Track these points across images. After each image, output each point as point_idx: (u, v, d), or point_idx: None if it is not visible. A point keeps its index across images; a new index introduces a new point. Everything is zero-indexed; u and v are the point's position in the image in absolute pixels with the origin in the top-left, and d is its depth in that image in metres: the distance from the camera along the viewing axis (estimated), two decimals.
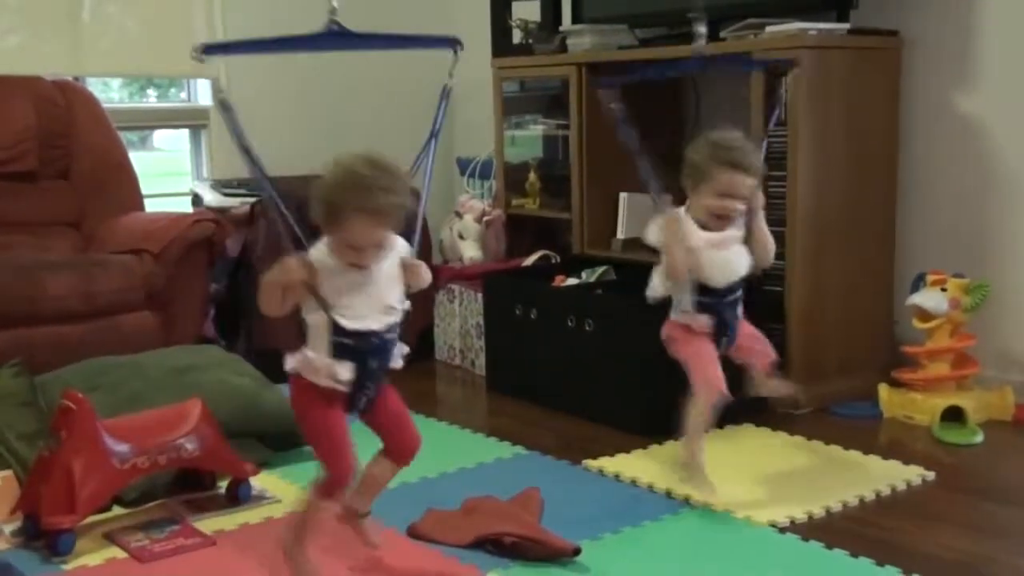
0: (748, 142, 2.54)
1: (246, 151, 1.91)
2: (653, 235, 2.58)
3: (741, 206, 2.52)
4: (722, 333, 2.58)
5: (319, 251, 1.97)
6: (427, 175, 2.15)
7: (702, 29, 2.70)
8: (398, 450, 2.15)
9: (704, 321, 2.56)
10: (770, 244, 2.61)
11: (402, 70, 4.61)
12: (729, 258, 2.56)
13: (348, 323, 1.97)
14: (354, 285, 1.99)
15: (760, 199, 2.58)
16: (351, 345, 1.99)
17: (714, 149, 2.50)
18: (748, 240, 2.58)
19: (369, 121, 4.46)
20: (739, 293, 2.59)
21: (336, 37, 2.03)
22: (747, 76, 3.27)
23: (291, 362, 2.03)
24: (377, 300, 2.01)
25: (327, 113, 4.57)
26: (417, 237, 2.14)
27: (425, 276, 2.12)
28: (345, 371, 1.99)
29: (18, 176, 3.76)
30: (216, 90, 1.93)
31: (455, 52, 2.15)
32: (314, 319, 1.99)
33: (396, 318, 2.04)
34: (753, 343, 2.67)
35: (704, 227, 2.53)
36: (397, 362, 2.07)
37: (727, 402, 2.56)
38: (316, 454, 2.08)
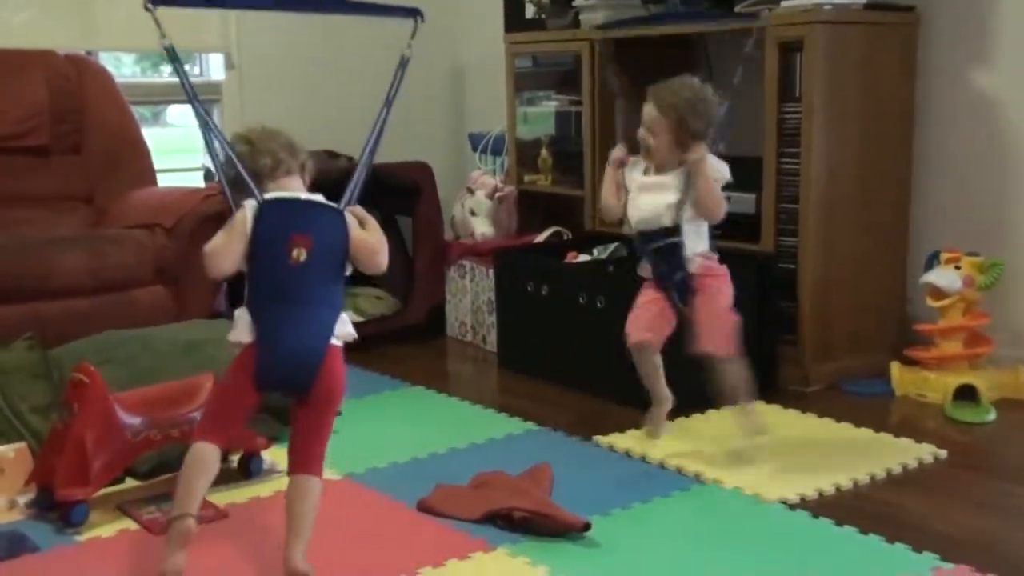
0: (701, 92, 2.60)
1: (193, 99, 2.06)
2: None
3: (651, 139, 2.62)
4: (664, 285, 2.68)
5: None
6: (368, 144, 2.12)
7: None
8: None
9: (645, 266, 2.72)
10: (711, 202, 2.61)
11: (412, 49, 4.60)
12: (649, 203, 2.65)
13: None
14: None
15: (697, 155, 2.57)
16: None
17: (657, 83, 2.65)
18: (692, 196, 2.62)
19: (376, 98, 4.47)
20: (665, 242, 2.64)
21: None
22: (760, 49, 3.25)
23: (347, 329, 2.05)
24: None
25: (336, 90, 4.56)
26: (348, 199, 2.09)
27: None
28: None
29: (30, 151, 3.77)
30: (161, 36, 2.02)
31: (416, 22, 2.15)
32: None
33: None
34: (702, 324, 2.63)
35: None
36: None
37: (651, 350, 2.71)
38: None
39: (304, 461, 2.06)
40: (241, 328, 2.03)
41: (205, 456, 2.02)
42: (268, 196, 2.03)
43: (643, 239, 2.69)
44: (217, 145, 2.06)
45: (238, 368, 2.05)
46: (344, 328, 2.05)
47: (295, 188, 2.08)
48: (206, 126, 2.07)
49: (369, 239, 2.06)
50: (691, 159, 2.59)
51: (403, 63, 2.14)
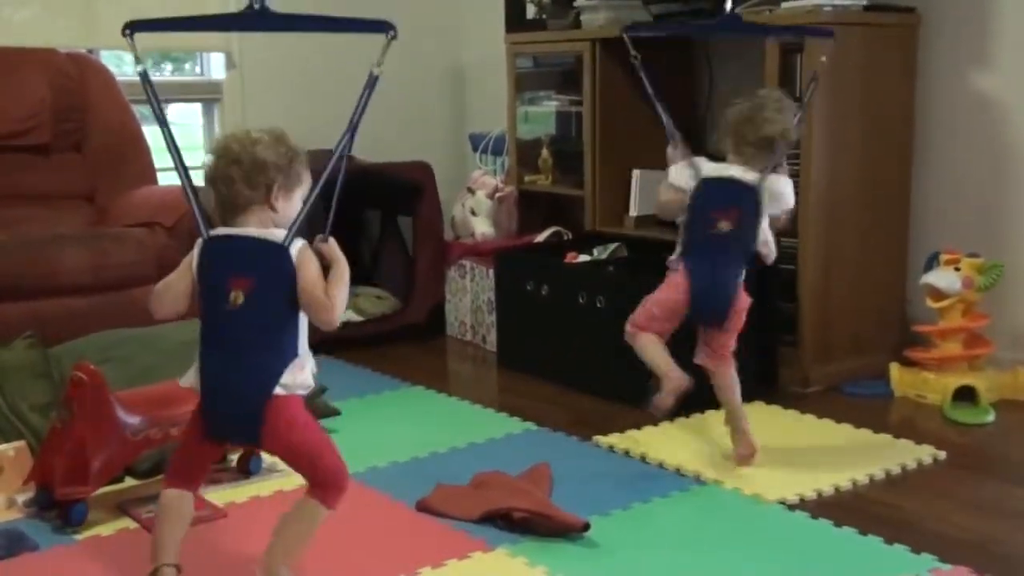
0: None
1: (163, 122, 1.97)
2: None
3: None
4: None
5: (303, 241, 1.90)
6: (328, 167, 1.94)
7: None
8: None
9: None
10: None
11: (408, 50, 4.60)
12: None
13: None
14: None
15: None
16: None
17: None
18: None
19: (378, 96, 4.47)
20: None
21: (257, 17, 1.99)
22: (761, 51, 3.25)
23: (301, 377, 1.88)
24: None
25: (337, 89, 4.56)
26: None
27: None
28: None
29: (32, 149, 3.77)
30: (136, 62, 1.96)
31: (388, 38, 1.91)
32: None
33: None
34: None
35: None
36: None
37: None
38: (327, 464, 1.92)
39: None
40: (191, 373, 1.92)
41: (174, 503, 1.93)
42: (214, 232, 1.90)
43: None
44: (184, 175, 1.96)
45: (192, 415, 1.96)
46: (296, 377, 1.87)
47: (250, 223, 1.89)
48: (176, 157, 1.97)
49: (316, 292, 1.84)
50: None
51: (371, 82, 1.93)
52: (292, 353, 1.88)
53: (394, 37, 1.92)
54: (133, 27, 1.95)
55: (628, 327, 2.62)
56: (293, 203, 1.93)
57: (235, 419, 1.89)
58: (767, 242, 2.58)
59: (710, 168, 2.59)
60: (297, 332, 1.89)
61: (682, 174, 2.60)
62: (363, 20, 1.96)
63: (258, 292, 1.85)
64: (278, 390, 1.85)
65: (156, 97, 1.96)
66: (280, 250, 1.85)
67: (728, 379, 2.65)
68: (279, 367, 1.85)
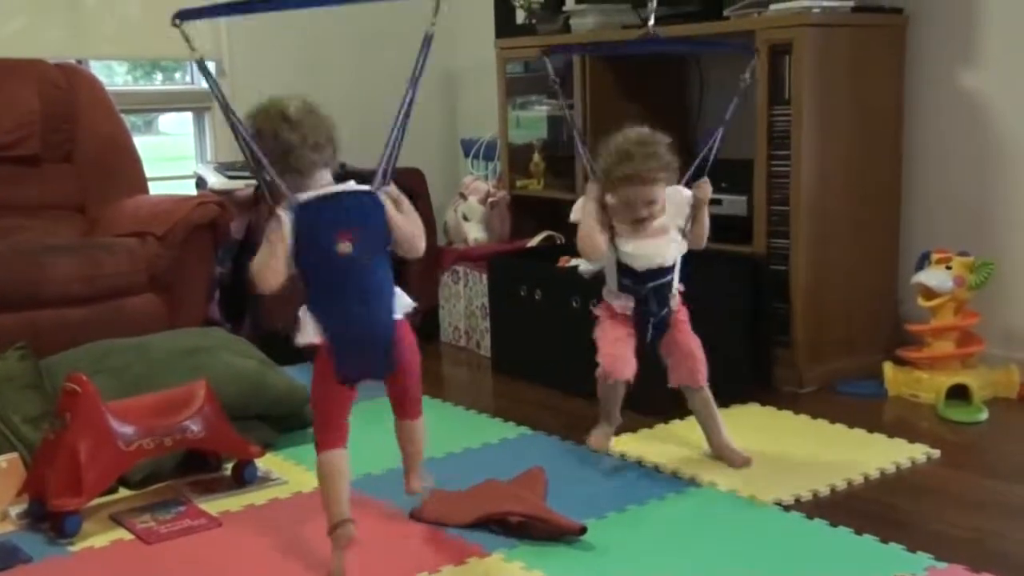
0: (653, 143, 2.50)
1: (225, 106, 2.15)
2: (575, 213, 2.61)
3: (650, 211, 2.51)
4: (645, 320, 2.59)
5: None
6: (396, 124, 2.24)
7: (652, 6, 2.74)
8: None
9: (625, 303, 2.60)
10: (704, 235, 2.62)
11: (399, 56, 4.60)
12: (652, 245, 2.56)
13: None
14: None
15: (706, 191, 2.59)
16: None
17: (615, 161, 2.49)
18: (690, 228, 2.60)
19: (365, 103, 4.47)
20: (665, 279, 2.57)
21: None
22: (751, 57, 3.25)
23: (404, 301, 2.16)
24: None
25: (325, 97, 4.56)
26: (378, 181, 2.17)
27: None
28: None
29: (22, 160, 3.76)
30: (192, 50, 2.09)
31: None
32: None
33: None
34: (683, 360, 2.64)
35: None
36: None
37: (628, 387, 2.64)
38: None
39: (404, 412, 2.33)
40: (309, 330, 2.07)
41: (336, 462, 2.13)
42: (305, 197, 2.07)
43: (639, 278, 2.57)
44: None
45: (321, 373, 2.13)
46: (402, 300, 2.15)
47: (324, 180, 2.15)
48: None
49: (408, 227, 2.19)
50: (700, 196, 2.57)
51: (427, 41, 2.24)
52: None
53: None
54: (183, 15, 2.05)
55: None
56: None
57: (375, 353, 2.13)
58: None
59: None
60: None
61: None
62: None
63: (364, 240, 2.07)
64: (396, 315, 2.12)
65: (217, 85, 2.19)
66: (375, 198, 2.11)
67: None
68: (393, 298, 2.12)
